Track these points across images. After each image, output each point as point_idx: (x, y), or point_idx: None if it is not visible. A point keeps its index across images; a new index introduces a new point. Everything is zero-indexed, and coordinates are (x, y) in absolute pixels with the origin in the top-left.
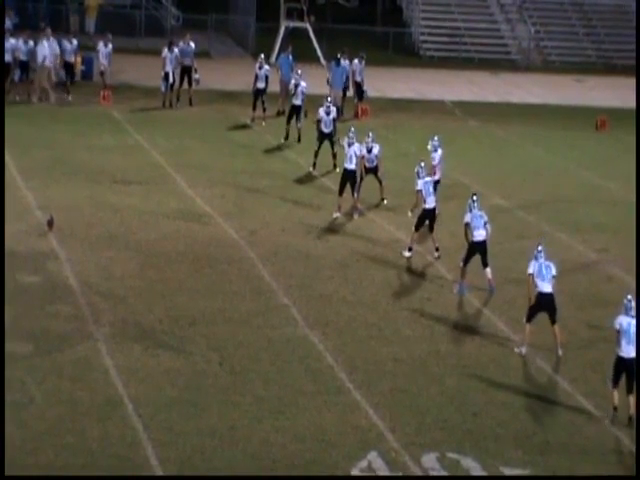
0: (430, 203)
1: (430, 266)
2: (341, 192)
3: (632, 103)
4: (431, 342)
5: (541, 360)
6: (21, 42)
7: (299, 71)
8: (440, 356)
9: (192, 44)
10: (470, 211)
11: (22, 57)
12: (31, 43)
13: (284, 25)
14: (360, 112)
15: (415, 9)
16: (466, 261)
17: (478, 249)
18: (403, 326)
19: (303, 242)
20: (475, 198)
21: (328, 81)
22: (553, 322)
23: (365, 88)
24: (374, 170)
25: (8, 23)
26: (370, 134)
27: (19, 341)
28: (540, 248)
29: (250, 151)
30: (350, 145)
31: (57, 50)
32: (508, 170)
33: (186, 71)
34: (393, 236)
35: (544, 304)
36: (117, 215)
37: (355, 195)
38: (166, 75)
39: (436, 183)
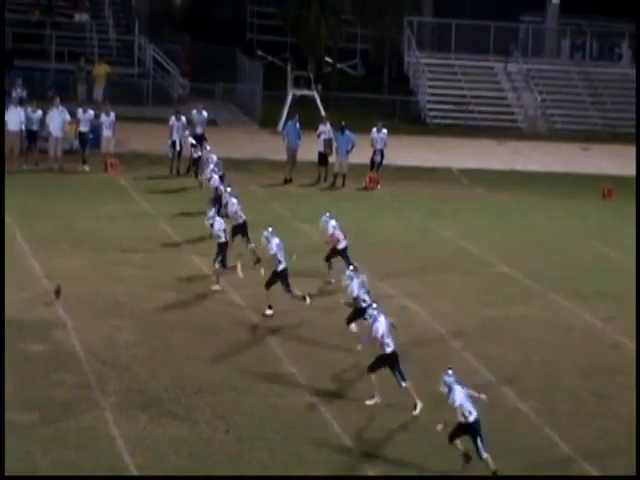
0: (282, 264)
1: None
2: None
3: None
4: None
5: (550, 429)
6: (30, 111)
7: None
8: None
9: (205, 113)
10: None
11: (32, 126)
12: (39, 112)
13: (291, 93)
14: (369, 180)
15: (422, 77)
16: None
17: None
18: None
19: (309, 310)
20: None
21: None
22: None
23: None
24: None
25: (21, 91)
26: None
27: (24, 410)
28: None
29: (255, 219)
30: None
31: (67, 119)
32: (514, 238)
33: (198, 139)
34: (401, 303)
35: None
36: (123, 283)
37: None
38: (173, 143)
39: (344, 250)
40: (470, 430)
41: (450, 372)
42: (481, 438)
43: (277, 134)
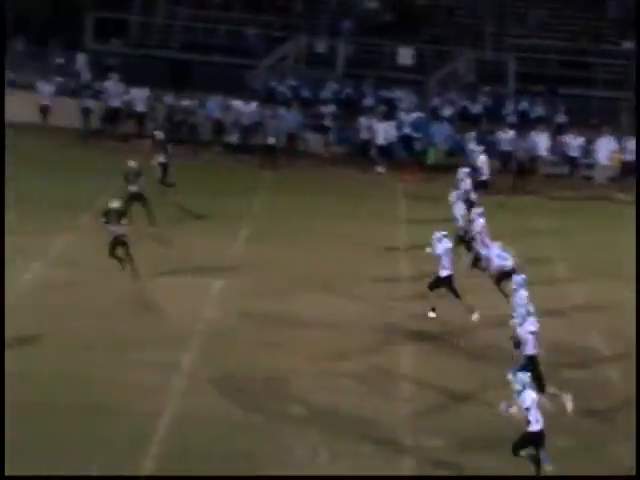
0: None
1: None
2: None
3: None
4: None
5: None
6: (571, 138)
7: None
8: None
9: None
10: None
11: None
12: (581, 139)
13: None
14: None
15: None
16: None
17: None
18: None
19: None
20: None
21: None
22: None
23: None
24: None
25: (563, 118)
26: None
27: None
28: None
29: None
30: None
31: (614, 147)
32: None
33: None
34: None
35: None
36: None
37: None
38: None
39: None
40: (535, 439)
41: (528, 374)
42: (544, 449)
43: None
